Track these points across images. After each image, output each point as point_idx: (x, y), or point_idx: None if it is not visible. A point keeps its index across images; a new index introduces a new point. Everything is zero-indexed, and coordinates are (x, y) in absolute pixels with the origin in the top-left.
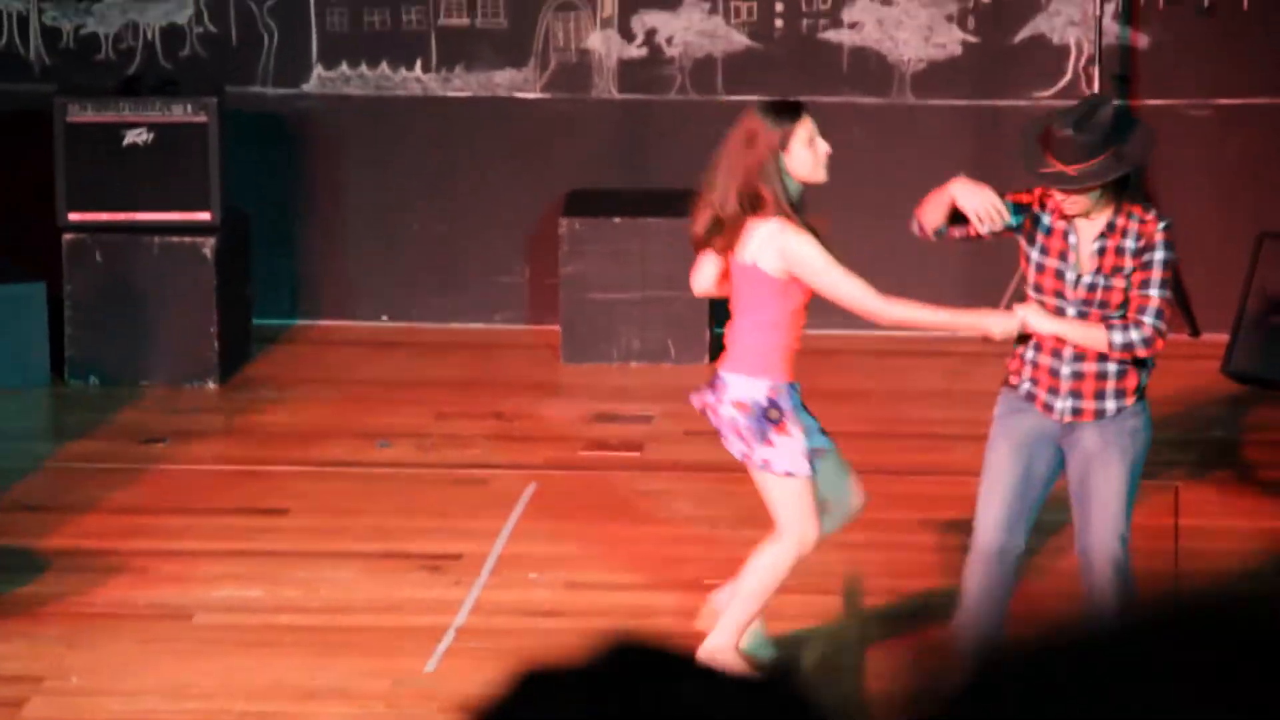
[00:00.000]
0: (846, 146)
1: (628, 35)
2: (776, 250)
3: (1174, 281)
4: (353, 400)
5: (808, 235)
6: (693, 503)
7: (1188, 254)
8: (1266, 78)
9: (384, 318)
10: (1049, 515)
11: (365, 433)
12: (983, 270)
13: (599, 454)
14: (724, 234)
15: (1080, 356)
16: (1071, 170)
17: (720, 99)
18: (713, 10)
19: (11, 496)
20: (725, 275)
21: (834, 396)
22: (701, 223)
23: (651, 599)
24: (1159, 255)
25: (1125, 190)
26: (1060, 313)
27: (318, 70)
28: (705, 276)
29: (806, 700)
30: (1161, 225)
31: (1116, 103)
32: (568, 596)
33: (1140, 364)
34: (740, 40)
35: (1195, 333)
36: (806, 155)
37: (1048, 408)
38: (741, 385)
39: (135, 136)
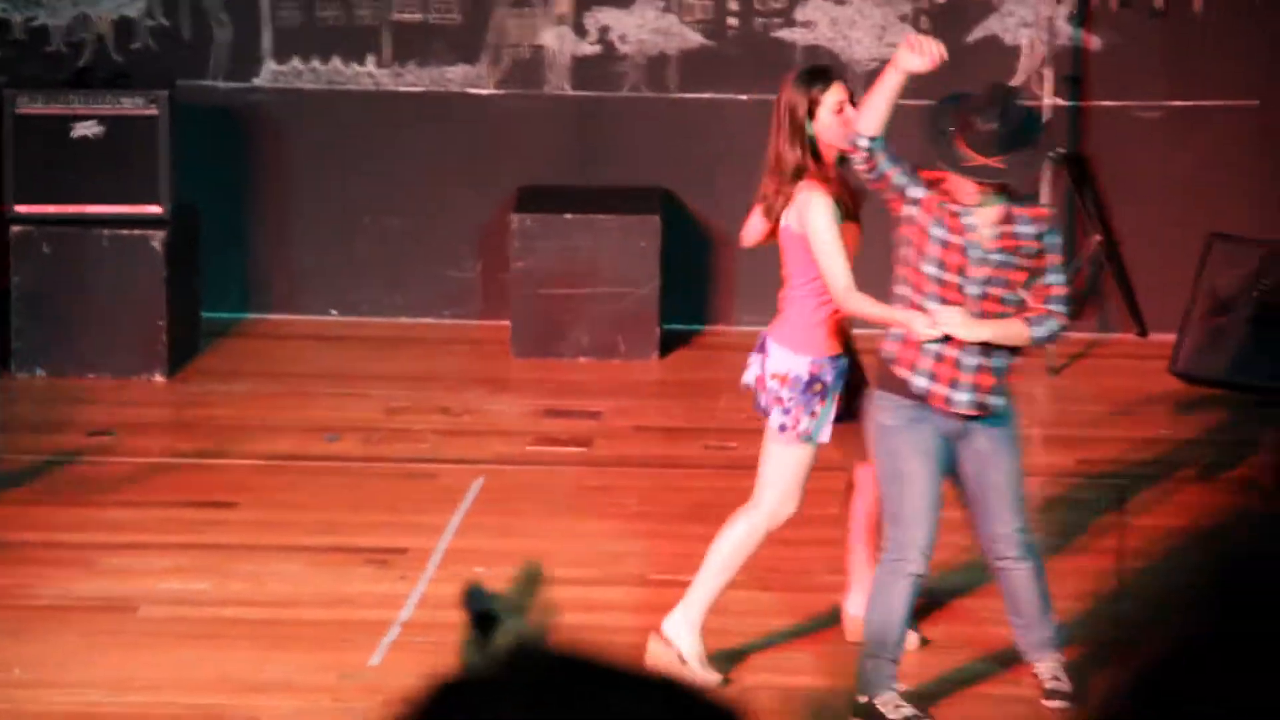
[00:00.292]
0: None
1: (581, 32)
2: (798, 213)
3: (1122, 280)
4: (301, 394)
5: (826, 202)
6: (640, 498)
7: (1137, 254)
8: (1217, 81)
9: (333, 312)
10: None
11: (314, 427)
12: None
13: (547, 449)
14: (772, 197)
15: (985, 350)
16: (997, 163)
17: (673, 96)
18: (666, 8)
19: None
20: (771, 234)
21: None
22: (764, 186)
23: (599, 594)
24: (1056, 239)
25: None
26: (960, 290)
27: (270, 64)
28: (752, 230)
29: (731, 712)
30: (1050, 211)
31: (1018, 90)
32: None
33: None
34: (694, 38)
35: (1143, 333)
36: (833, 122)
37: (947, 401)
38: (784, 359)
39: (85, 129)
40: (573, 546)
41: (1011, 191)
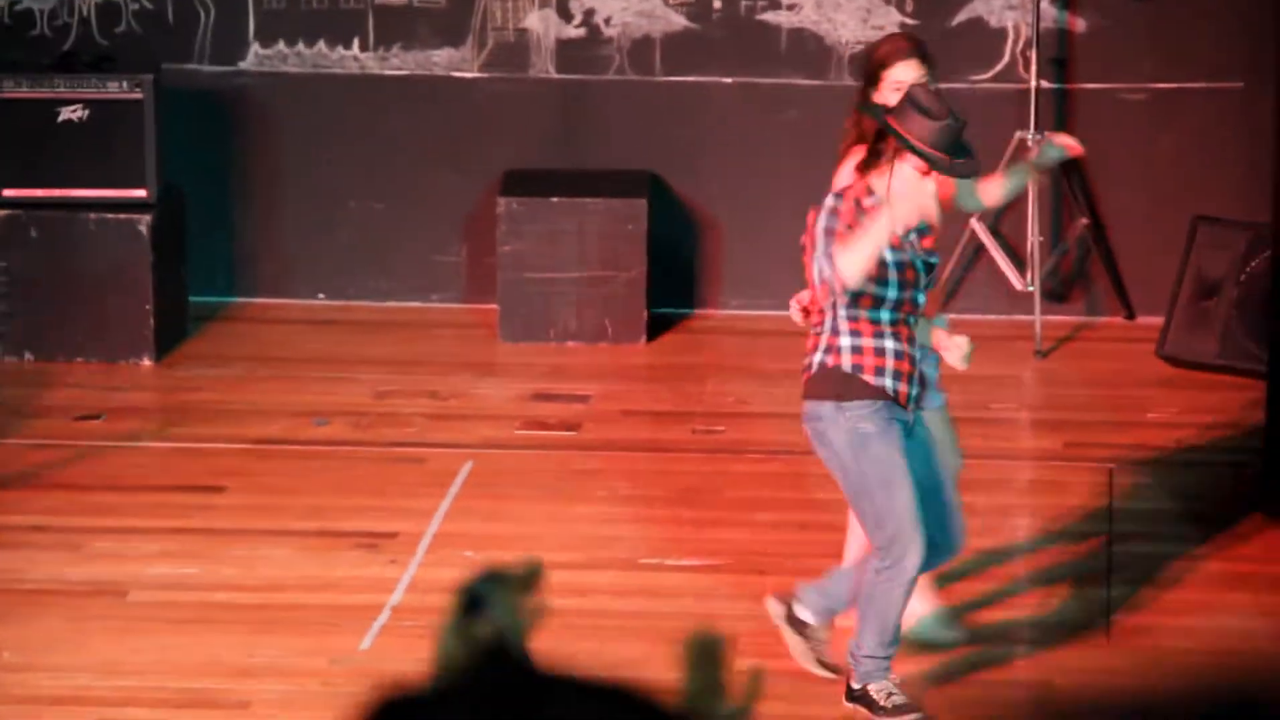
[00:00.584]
0: (783, 128)
1: (566, 15)
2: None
3: (1109, 263)
4: (289, 378)
5: (887, 179)
6: (629, 482)
7: (1123, 237)
8: (1202, 63)
9: (320, 296)
10: None
11: (302, 411)
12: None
13: (536, 433)
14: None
15: (918, 343)
16: (969, 163)
17: (658, 80)
18: None
19: None
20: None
21: (773, 378)
22: None
23: (587, 578)
24: None
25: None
26: (912, 265)
27: (254, 48)
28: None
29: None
30: None
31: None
32: None
33: None
34: (679, 21)
35: (1130, 316)
36: (894, 99)
37: (907, 399)
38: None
39: (70, 113)
40: (561, 530)
41: None
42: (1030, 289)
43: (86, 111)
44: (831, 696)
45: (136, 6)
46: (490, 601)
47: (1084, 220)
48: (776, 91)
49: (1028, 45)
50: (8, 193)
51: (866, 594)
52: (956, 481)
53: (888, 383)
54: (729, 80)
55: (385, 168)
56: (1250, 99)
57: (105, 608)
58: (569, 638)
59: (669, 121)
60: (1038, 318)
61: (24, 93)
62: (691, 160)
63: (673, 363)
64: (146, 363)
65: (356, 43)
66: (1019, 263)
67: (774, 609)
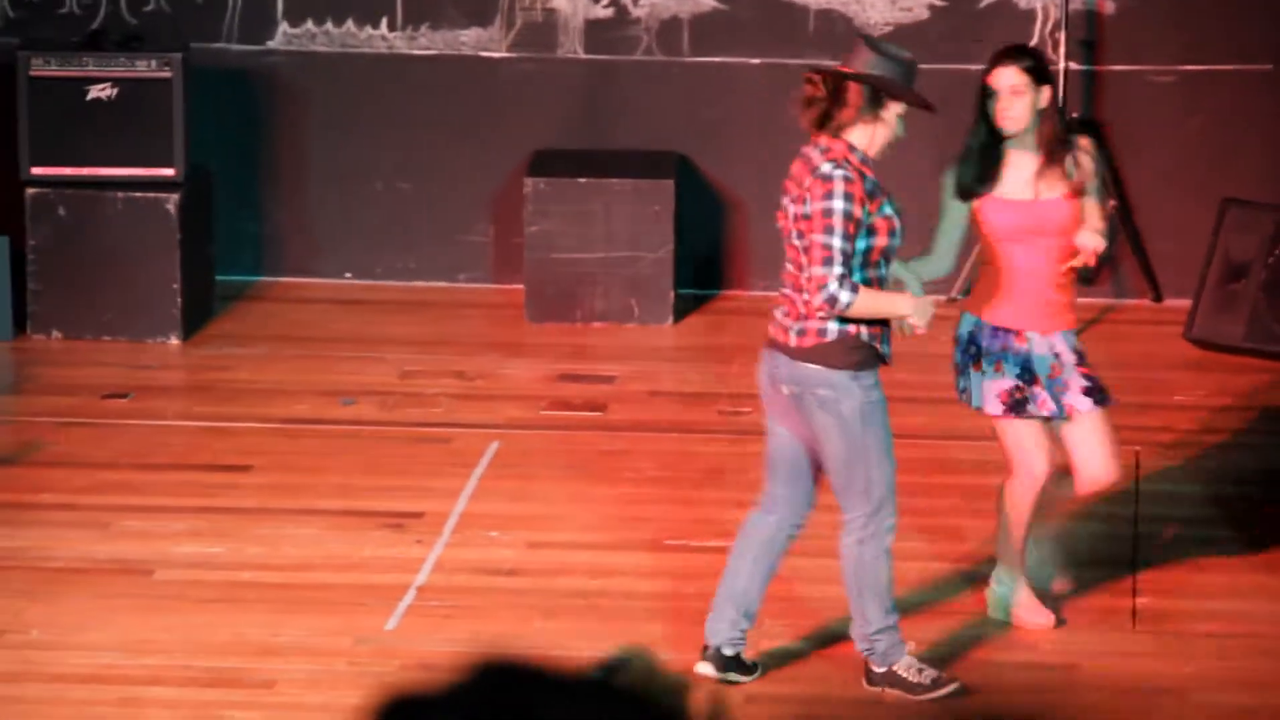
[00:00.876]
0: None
1: None
2: None
3: (1137, 245)
4: (316, 358)
5: (871, 137)
6: (655, 463)
7: (1151, 220)
8: (1231, 45)
9: (347, 275)
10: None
11: (328, 390)
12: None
13: (562, 414)
14: None
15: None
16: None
17: (686, 60)
18: None
19: None
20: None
21: None
22: None
23: (613, 559)
24: None
25: None
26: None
27: (283, 27)
28: None
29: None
30: None
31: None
32: (529, 555)
33: None
34: (707, 2)
35: (1158, 298)
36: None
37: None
38: (962, 319)
39: (99, 91)
40: (587, 511)
41: None
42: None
43: (115, 90)
44: (841, 681)
45: None
46: None
47: (1112, 202)
48: (803, 73)
49: (1057, 27)
50: (36, 171)
51: (854, 570)
52: None
53: (887, 350)
54: (757, 61)
55: (413, 147)
56: (1279, 81)
57: (132, 586)
58: (594, 618)
59: (696, 102)
60: None
61: (53, 71)
62: (719, 141)
63: (699, 343)
64: (174, 341)
65: (385, 22)
66: None
67: (706, 670)
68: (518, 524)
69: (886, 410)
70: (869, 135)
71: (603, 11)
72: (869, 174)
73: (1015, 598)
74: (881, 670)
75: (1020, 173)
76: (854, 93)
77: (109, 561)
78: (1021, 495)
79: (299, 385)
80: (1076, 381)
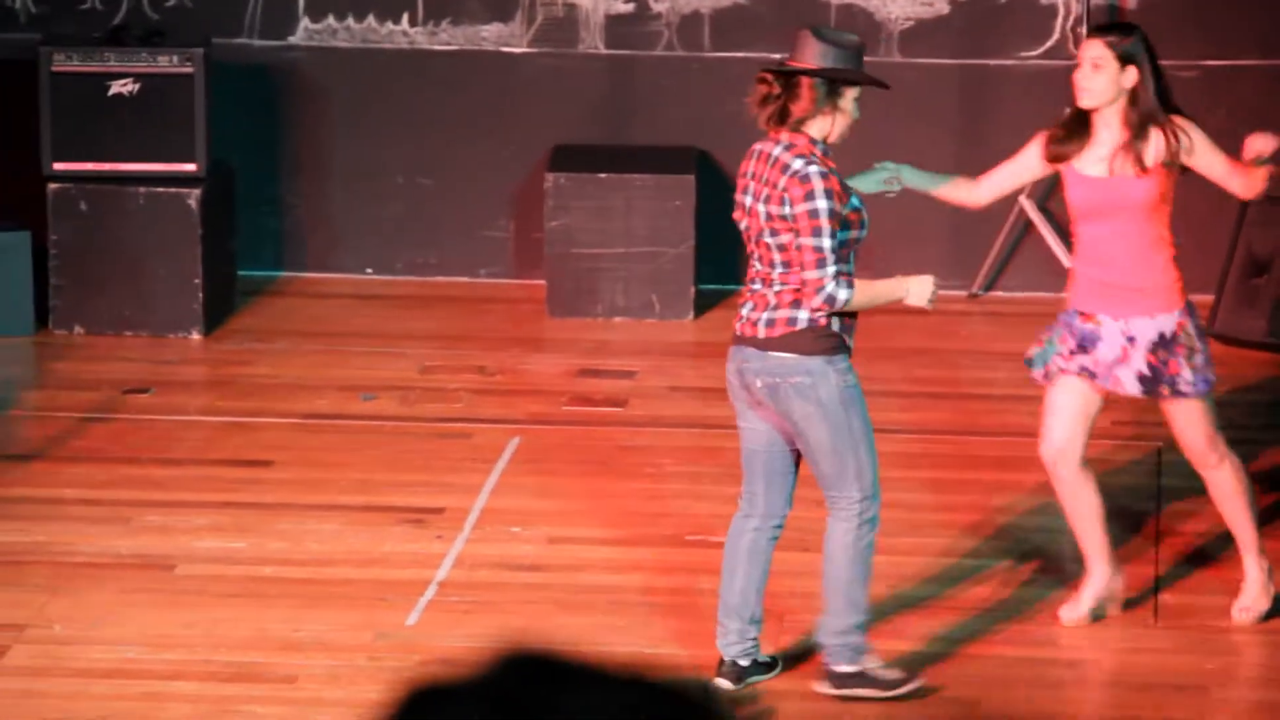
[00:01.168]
0: None
1: None
2: None
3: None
4: (337, 353)
5: (831, 125)
6: (675, 458)
7: (1175, 215)
8: (1253, 40)
9: (368, 271)
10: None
11: (349, 386)
12: (968, 231)
13: (583, 409)
14: None
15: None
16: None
17: (707, 55)
18: None
19: None
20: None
21: None
22: None
23: (633, 554)
24: None
25: None
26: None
27: (304, 22)
28: None
29: (694, 712)
30: None
31: None
32: (550, 551)
33: None
34: None
35: None
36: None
37: None
38: None
39: (121, 87)
40: (607, 506)
41: None
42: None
43: (137, 85)
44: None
45: None
46: None
47: None
48: None
49: (1078, 22)
50: (58, 166)
51: (849, 557)
52: None
53: (851, 343)
54: (778, 56)
55: (433, 143)
56: None
57: (154, 581)
58: (614, 613)
59: (717, 97)
60: None
61: (75, 66)
62: (739, 137)
63: (719, 339)
64: (195, 337)
65: (406, 18)
66: (1068, 240)
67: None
68: (538, 519)
69: (863, 395)
70: (828, 125)
71: (623, 7)
72: (832, 165)
73: (1093, 591)
74: (853, 670)
75: (1102, 149)
76: (809, 86)
77: (131, 556)
78: (1050, 474)
79: (320, 380)
80: (1136, 366)
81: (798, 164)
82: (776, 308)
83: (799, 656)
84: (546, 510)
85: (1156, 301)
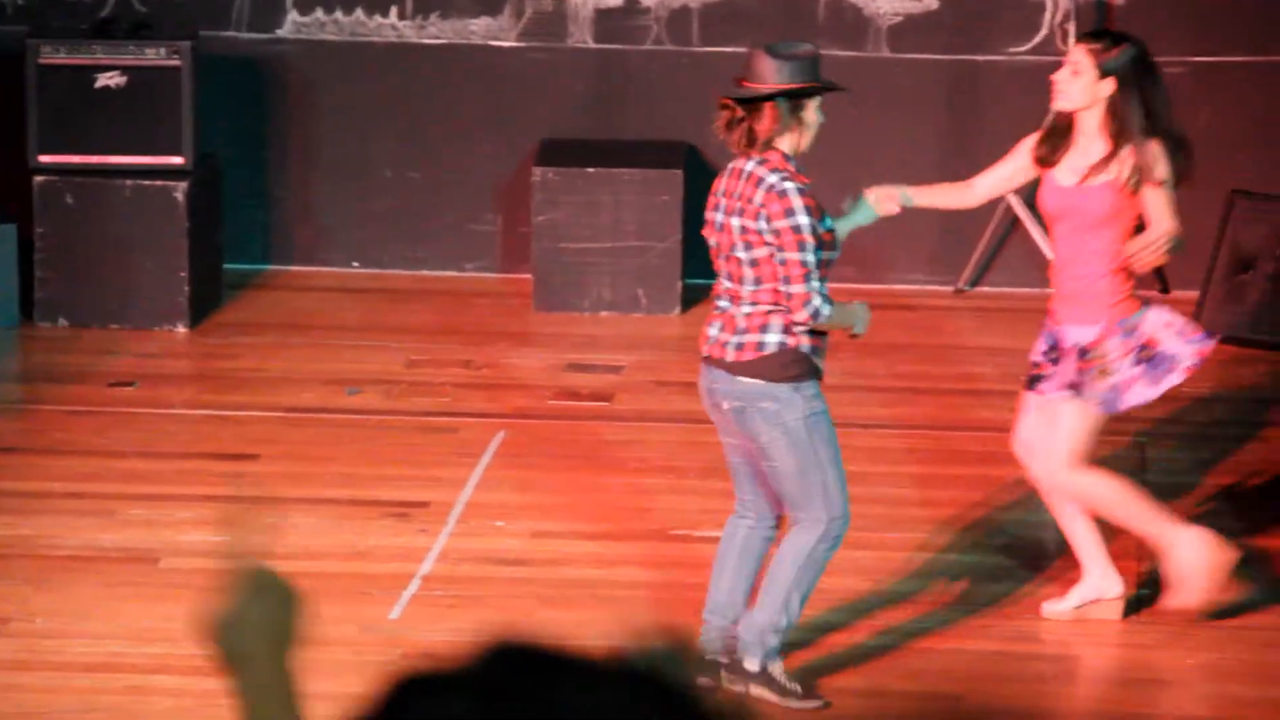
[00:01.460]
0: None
1: None
2: None
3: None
4: (323, 347)
5: (798, 137)
6: (661, 453)
7: None
8: (1239, 36)
9: (355, 264)
10: None
11: (335, 379)
12: (954, 226)
13: (568, 403)
14: None
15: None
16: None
17: (696, 50)
18: None
19: None
20: None
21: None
22: None
23: (618, 549)
24: None
25: None
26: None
27: (292, 15)
28: None
29: (687, 704)
30: None
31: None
32: (534, 545)
33: None
34: None
35: (1165, 289)
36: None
37: None
38: None
39: (108, 79)
40: (592, 501)
41: None
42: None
43: (124, 78)
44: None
45: None
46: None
47: None
48: None
49: (1066, 18)
50: (45, 159)
51: (798, 563)
52: None
53: (823, 364)
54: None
55: (421, 136)
56: None
57: (138, 574)
58: (599, 608)
59: (706, 92)
60: None
61: (62, 59)
62: None
63: None
64: (181, 330)
65: (394, 11)
66: None
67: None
68: (523, 513)
69: (830, 420)
70: (796, 140)
71: (612, 1)
72: (806, 182)
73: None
74: (756, 669)
75: (1079, 159)
76: (771, 106)
77: (115, 550)
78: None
79: (305, 374)
80: (1066, 373)
81: (773, 179)
82: (745, 331)
83: (787, 651)
84: (531, 504)
85: (1084, 311)
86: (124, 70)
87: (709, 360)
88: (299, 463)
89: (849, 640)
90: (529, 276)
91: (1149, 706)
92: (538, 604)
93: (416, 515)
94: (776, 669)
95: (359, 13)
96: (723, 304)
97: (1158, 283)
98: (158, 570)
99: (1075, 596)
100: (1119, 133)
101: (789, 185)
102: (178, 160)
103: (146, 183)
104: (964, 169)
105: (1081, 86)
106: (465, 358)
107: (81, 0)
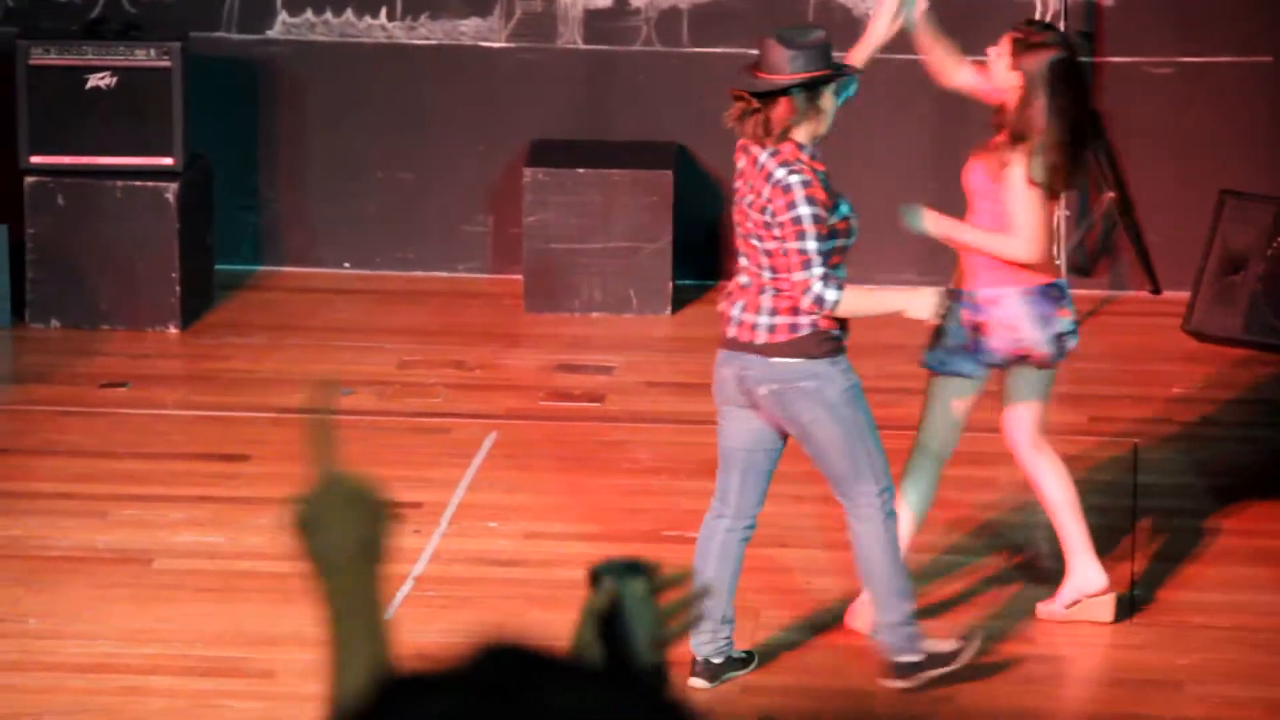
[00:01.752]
0: None
1: None
2: None
3: (1135, 237)
4: (315, 348)
5: (815, 126)
6: (653, 453)
7: (1150, 211)
8: (1229, 36)
9: (346, 265)
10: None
11: (327, 380)
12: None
13: (560, 404)
14: None
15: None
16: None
17: (686, 51)
18: None
19: None
20: None
21: None
22: None
23: (610, 549)
24: None
25: None
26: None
27: (282, 16)
28: None
29: (673, 705)
30: None
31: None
32: (526, 546)
33: None
34: None
35: (1156, 290)
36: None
37: None
38: None
39: (98, 80)
40: (584, 502)
41: None
42: (1056, 263)
43: (114, 79)
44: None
45: None
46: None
47: (1110, 194)
48: None
49: (1056, 18)
50: (36, 160)
51: (883, 549)
52: None
53: (845, 338)
54: (756, 52)
55: (412, 137)
56: (1278, 73)
57: (131, 575)
58: None
59: (696, 93)
60: None
61: (52, 60)
62: (718, 132)
63: (697, 334)
64: (172, 331)
65: (384, 12)
66: None
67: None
68: (515, 514)
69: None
70: (813, 128)
71: (602, 2)
72: (820, 168)
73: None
74: (920, 658)
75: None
76: (788, 98)
77: (107, 550)
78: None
79: (297, 375)
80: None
81: (780, 173)
82: (775, 312)
83: (773, 652)
84: (523, 505)
85: (972, 278)
86: (114, 71)
87: (735, 344)
88: (292, 464)
89: (843, 640)
90: (520, 277)
91: (1141, 707)
92: (530, 604)
93: (409, 516)
94: (930, 646)
95: (349, 14)
96: (743, 280)
97: (1149, 283)
98: (150, 571)
99: (1064, 592)
100: (1015, 131)
101: (794, 179)
102: (168, 161)
103: (137, 183)
104: (954, 169)
105: (999, 70)
106: (457, 358)
107: (71, 1)
